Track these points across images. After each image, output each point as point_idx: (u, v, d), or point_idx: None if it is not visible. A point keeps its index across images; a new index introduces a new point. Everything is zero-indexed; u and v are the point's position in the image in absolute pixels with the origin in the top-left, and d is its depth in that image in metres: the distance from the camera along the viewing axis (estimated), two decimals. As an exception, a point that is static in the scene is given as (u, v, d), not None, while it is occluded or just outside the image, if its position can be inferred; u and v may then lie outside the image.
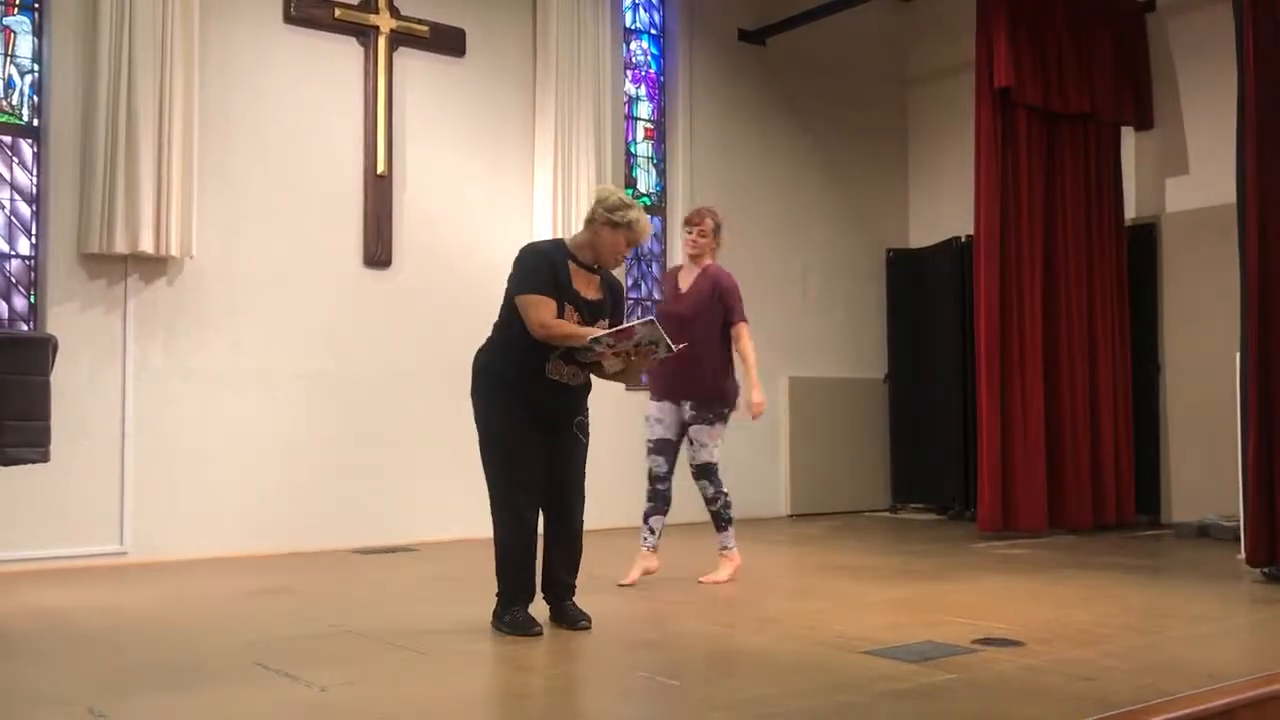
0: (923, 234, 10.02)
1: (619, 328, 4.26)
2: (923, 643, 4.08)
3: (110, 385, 6.48)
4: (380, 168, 7.42)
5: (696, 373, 5.38)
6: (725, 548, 5.56)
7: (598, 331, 4.22)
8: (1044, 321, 7.96)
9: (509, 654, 4.02)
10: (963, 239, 9.07)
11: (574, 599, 4.50)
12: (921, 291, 9.68)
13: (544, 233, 7.98)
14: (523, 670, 3.81)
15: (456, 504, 7.48)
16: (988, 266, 7.72)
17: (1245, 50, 5.90)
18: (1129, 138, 8.71)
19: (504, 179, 8.02)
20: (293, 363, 7.09)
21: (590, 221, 4.40)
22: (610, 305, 4.46)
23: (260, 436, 6.93)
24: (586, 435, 4.53)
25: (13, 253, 6.41)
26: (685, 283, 5.59)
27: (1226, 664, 3.81)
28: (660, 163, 9.10)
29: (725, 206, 8.82)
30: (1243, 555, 5.90)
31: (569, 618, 4.43)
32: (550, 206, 7.99)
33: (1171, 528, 8.07)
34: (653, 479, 5.50)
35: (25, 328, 6.33)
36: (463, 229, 7.80)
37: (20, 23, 6.51)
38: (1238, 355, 5.99)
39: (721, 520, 5.54)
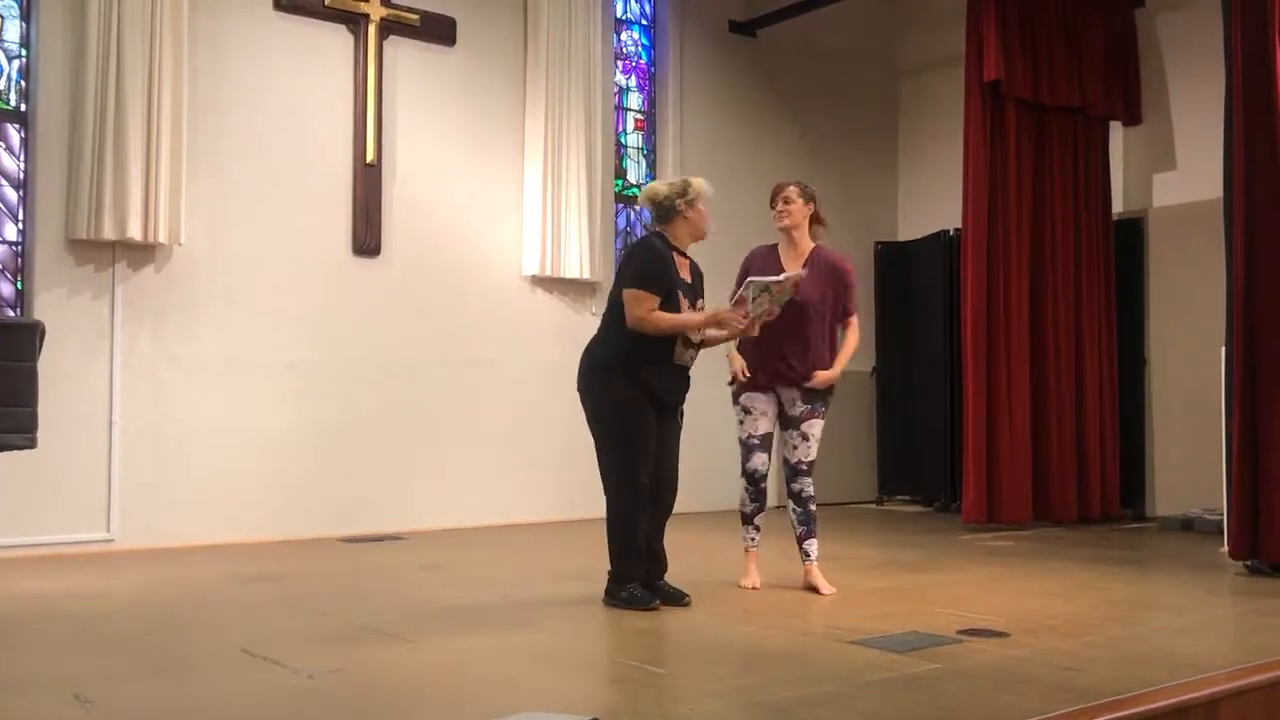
0: (911, 227, 10.04)
1: (735, 300, 4.60)
2: (908, 633, 4.10)
3: (98, 372, 6.46)
4: (370, 156, 7.40)
5: (817, 363, 5.00)
6: (815, 557, 5.12)
7: (696, 317, 4.60)
8: (1030, 315, 7.99)
9: (495, 643, 4.03)
10: (951, 232, 9.09)
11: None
12: (909, 284, 9.70)
13: (534, 222, 8.00)
14: (510, 659, 3.82)
15: (445, 493, 7.50)
16: (975, 260, 7.74)
17: (1233, 46, 5.92)
18: (1117, 132, 8.74)
19: (494, 168, 8.01)
20: (281, 351, 7.08)
21: (673, 214, 4.72)
22: (699, 283, 4.84)
23: (248, 424, 6.92)
24: (682, 419, 4.86)
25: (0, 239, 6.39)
26: (793, 266, 4.98)
27: (1209, 655, 3.84)
28: (650, 154, 9.09)
29: (714, 197, 8.88)
30: (1226, 548, 5.94)
31: (669, 596, 4.67)
32: (540, 196, 7.99)
33: (1156, 521, 8.12)
34: (757, 478, 5.05)
35: (12, 314, 6.31)
36: (452, 218, 7.79)
37: (8, 7, 6.47)
38: (1223, 349, 6.02)
39: (815, 524, 5.11)
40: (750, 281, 4.54)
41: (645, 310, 4.53)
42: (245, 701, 3.25)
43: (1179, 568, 6.01)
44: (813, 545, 5.11)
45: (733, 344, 5.01)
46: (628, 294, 4.58)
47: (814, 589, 5.02)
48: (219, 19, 6.94)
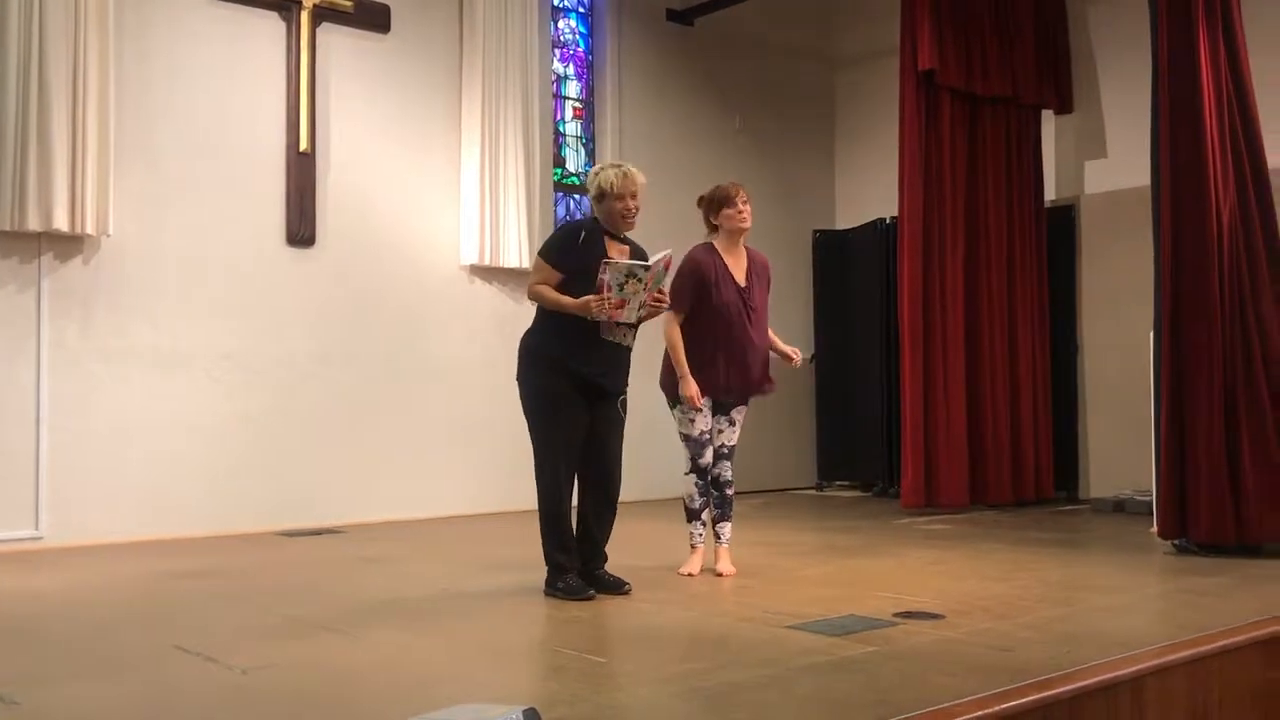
0: (848, 215, 10.13)
1: (600, 285, 4.43)
2: (845, 616, 4.14)
3: (24, 366, 6.32)
4: (304, 145, 7.30)
5: (764, 361, 5.17)
6: (725, 540, 5.22)
7: (570, 301, 4.49)
8: (965, 301, 8.09)
9: (434, 635, 4.01)
10: (887, 220, 9.17)
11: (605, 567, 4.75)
12: (847, 272, 9.79)
13: (471, 211, 7.95)
14: (448, 650, 3.80)
15: (382, 486, 7.44)
16: (911, 247, 7.82)
17: (1159, 38, 6.03)
18: (1049, 121, 8.87)
19: (430, 157, 7.95)
20: (214, 343, 6.97)
21: (596, 202, 4.73)
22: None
23: (181, 418, 6.80)
24: (625, 412, 4.79)
25: (-81, 230, 6.21)
26: (738, 270, 5.10)
27: (1137, 633, 3.92)
28: (589, 142, 9.07)
29: (652, 186, 8.81)
30: (1155, 529, 6.07)
31: (608, 584, 4.67)
32: (478, 185, 7.93)
33: (1089, 503, 8.27)
34: (704, 471, 5.10)
35: (-67, 307, 6.15)
36: (388, 207, 7.72)
37: (-75, -9, 6.29)
38: (1152, 335, 6.14)
39: (731, 508, 5.23)
40: (606, 264, 4.40)
41: (535, 280, 4.66)
42: (177, 699, 3.20)
43: (1110, 548, 6.13)
44: (725, 528, 5.25)
45: (686, 372, 4.95)
46: (535, 260, 4.75)
47: (714, 571, 5.14)
48: (146, 3, 6.79)
